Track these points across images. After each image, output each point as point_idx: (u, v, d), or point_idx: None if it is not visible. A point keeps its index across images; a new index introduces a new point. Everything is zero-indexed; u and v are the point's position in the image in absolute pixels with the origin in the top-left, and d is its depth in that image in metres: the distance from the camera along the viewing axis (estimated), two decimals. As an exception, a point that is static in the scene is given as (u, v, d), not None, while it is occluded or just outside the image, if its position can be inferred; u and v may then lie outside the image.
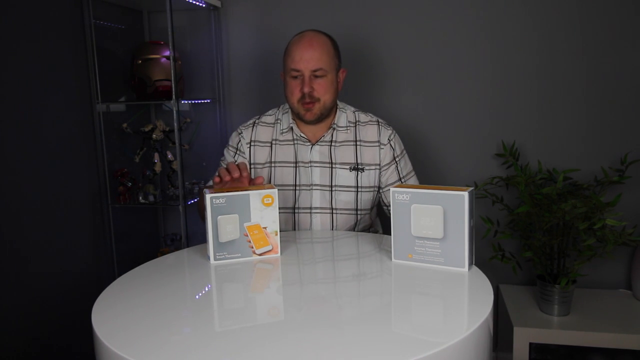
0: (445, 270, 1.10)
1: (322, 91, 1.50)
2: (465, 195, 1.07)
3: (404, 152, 1.64)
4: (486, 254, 2.03)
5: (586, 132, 2.03)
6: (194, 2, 2.12)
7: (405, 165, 1.63)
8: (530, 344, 1.80)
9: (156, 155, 2.13)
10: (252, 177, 1.59)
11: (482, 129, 2.11)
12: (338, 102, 1.62)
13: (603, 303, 1.94)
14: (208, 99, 2.30)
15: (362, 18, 2.14)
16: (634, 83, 1.97)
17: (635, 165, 1.94)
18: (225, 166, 1.62)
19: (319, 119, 1.54)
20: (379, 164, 1.57)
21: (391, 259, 1.18)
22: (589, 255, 1.74)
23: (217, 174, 1.33)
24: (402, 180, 1.60)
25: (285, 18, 2.19)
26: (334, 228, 1.55)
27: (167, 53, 2.04)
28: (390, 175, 1.59)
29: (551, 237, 1.79)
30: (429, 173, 2.15)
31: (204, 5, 2.18)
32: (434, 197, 1.10)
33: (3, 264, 1.63)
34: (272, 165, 1.58)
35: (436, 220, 1.10)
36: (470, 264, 1.10)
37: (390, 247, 1.17)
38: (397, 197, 1.14)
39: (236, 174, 1.29)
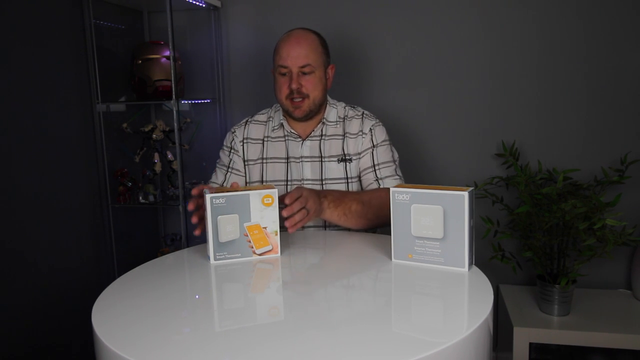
0: (445, 270, 1.10)
1: (311, 87, 1.50)
2: (465, 195, 1.07)
3: (387, 142, 1.58)
4: (486, 254, 2.03)
5: (586, 132, 2.03)
6: (194, 2, 2.12)
7: (384, 154, 1.56)
8: (530, 344, 1.80)
9: (156, 155, 2.13)
10: (248, 176, 1.60)
11: (482, 129, 2.11)
12: (329, 98, 1.63)
13: (603, 303, 1.94)
14: (208, 99, 2.30)
15: (363, 18, 2.14)
16: (634, 83, 1.97)
17: (635, 165, 1.94)
18: (222, 168, 1.62)
19: (308, 116, 1.54)
20: (359, 152, 1.56)
21: (391, 259, 1.18)
22: (589, 255, 1.74)
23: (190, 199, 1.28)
24: (375, 167, 1.54)
25: (285, 18, 2.19)
26: (327, 223, 1.55)
27: (167, 53, 2.04)
28: (365, 161, 1.55)
29: (551, 237, 1.79)
30: (429, 173, 2.15)
31: (204, 5, 2.18)
32: (434, 197, 1.10)
33: (3, 263, 1.63)
34: (264, 161, 1.59)
35: (436, 220, 1.10)
36: (470, 264, 1.10)
37: (390, 247, 1.17)
38: (397, 197, 1.14)
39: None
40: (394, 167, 1.57)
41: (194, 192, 1.26)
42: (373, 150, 1.56)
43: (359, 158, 1.56)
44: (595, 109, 2.01)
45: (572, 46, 2.00)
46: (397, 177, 1.55)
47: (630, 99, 1.98)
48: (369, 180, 1.54)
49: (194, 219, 1.27)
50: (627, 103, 1.99)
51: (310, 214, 1.30)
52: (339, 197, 1.42)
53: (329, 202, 1.38)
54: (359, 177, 1.58)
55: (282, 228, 1.55)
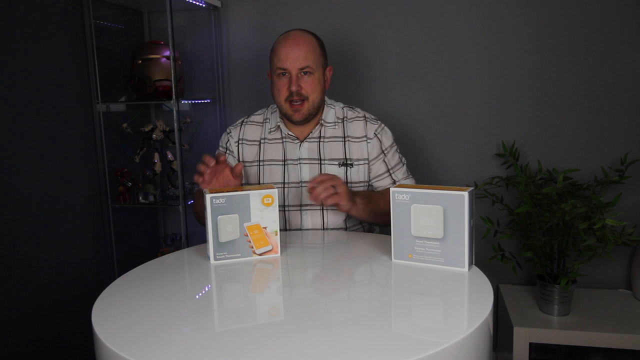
0: (445, 270, 1.10)
1: (310, 89, 1.50)
2: (465, 195, 1.07)
3: (394, 144, 1.60)
4: (486, 254, 2.03)
5: (586, 132, 2.03)
6: (194, 2, 2.12)
7: (393, 157, 1.59)
8: (530, 344, 1.80)
9: (156, 155, 2.13)
10: (244, 177, 1.60)
11: (482, 129, 2.11)
12: (327, 98, 1.62)
13: (603, 303, 1.94)
14: (208, 99, 2.30)
15: (363, 18, 2.14)
16: (634, 83, 1.97)
17: (635, 165, 1.94)
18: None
19: (307, 119, 1.54)
20: (368, 159, 1.57)
21: (391, 259, 1.18)
22: (589, 255, 1.74)
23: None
24: (390, 171, 1.58)
25: (284, 18, 2.19)
26: (325, 225, 1.55)
27: (167, 53, 2.04)
28: (378, 167, 1.58)
29: (551, 237, 1.79)
30: (429, 173, 2.15)
31: (204, 5, 2.18)
32: (434, 197, 1.10)
33: (3, 263, 1.63)
34: (261, 163, 1.58)
35: (436, 220, 1.10)
36: (470, 264, 1.10)
37: (390, 247, 1.17)
38: (397, 197, 1.14)
39: (212, 163, 1.32)
40: (405, 167, 1.62)
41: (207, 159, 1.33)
42: (384, 156, 1.58)
43: (367, 164, 1.57)
44: (595, 109, 2.01)
45: (572, 46, 2.00)
46: (410, 177, 1.61)
47: (630, 99, 1.98)
48: (386, 185, 1.58)
49: (198, 178, 1.33)
50: (627, 103, 1.99)
51: (341, 195, 1.34)
52: (368, 195, 1.48)
53: (360, 199, 1.42)
54: (367, 182, 1.59)
55: (283, 227, 1.56)
